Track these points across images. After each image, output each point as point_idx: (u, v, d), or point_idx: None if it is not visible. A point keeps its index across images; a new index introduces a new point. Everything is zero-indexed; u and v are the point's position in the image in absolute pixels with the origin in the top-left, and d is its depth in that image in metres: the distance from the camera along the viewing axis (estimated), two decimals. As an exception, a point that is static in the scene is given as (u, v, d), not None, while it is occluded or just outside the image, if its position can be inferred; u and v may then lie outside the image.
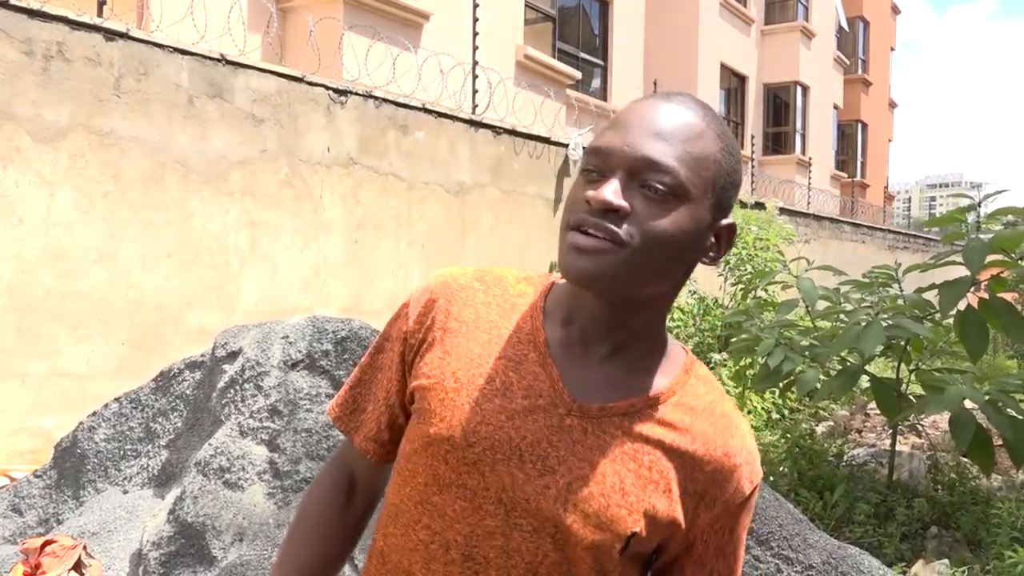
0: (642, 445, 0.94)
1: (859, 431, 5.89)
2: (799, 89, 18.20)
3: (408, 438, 1.00)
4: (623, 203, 0.87)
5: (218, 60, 5.33)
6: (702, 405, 0.98)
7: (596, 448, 0.93)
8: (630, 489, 0.92)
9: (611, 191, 0.87)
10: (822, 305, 4.23)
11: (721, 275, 7.40)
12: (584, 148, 0.94)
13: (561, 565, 0.92)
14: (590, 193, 0.88)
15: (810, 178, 17.84)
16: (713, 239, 0.95)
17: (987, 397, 3.32)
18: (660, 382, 0.98)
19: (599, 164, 0.90)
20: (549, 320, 0.99)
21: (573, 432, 0.93)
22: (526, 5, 10.59)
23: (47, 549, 2.78)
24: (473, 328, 0.99)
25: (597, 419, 0.94)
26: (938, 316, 3.74)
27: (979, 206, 3.67)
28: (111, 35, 4.80)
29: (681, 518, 0.95)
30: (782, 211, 10.20)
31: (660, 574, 1.02)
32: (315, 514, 1.11)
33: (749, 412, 5.85)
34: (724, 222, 0.95)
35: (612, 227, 0.87)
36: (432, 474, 0.95)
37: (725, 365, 6.14)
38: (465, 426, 0.94)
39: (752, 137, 16.50)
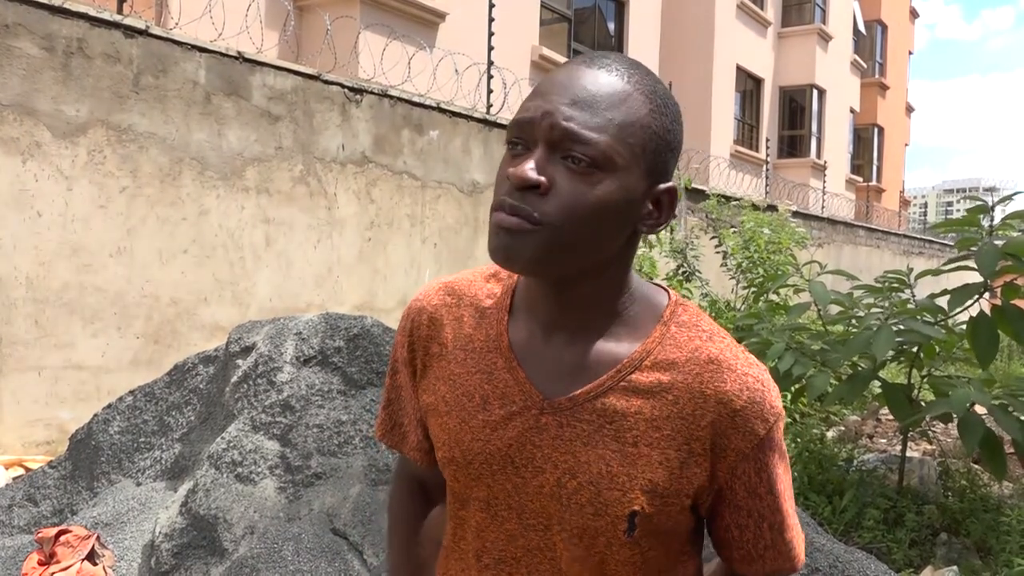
0: (621, 422, 0.90)
1: (870, 436, 5.87)
2: (815, 92, 18.11)
3: None
4: (541, 178, 0.84)
5: (235, 58, 5.38)
6: (684, 357, 0.92)
7: (576, 439, 0.91)
8: (618, 471, 0.89)
9: (530, 167, 0.84)
10: (834, 309, 4.22)
11: (733, 278, 7.39)
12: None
13: (580, 559, 0.92)
14: (510, 170, 0.85)
15: (825, 182, 17.77)
16: (651, 205, 0.90)
17: (996, 402, 3.29)
18: (628, 349, 0.93)
19: (521, 136, 0.87)
20: (516, 316, 0.98)
21: (551, 429, 0.92)
22: (542, 5, 10.60)
23: (61, 539, 2.82)
24: (451, 347, 1.00)
25: (570, 410, 0.92)
26: (949, 321, 3.72)
27: (992, 210, 3.64)
28: (130, 32, 4.86)
29: (697, 478, 0.91)
30: (795, 214, 10.16)
31: (710, 530, 0.99)
32: (402, 529, 1.14)
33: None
34: (662, 186, 0.90)
35: (528, 208, 0.84)
36: (452, 493, 1.00)
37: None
38: (461, 445, 0.96)
39: (767, 140, 16.45)
